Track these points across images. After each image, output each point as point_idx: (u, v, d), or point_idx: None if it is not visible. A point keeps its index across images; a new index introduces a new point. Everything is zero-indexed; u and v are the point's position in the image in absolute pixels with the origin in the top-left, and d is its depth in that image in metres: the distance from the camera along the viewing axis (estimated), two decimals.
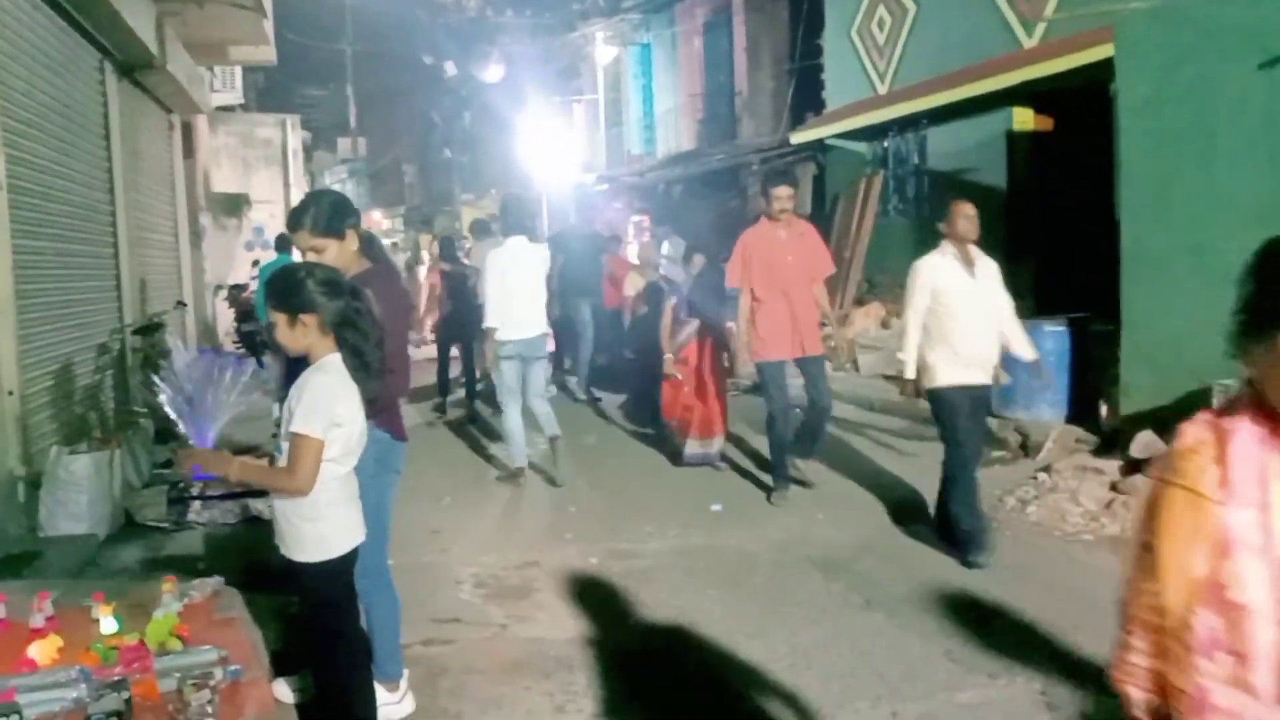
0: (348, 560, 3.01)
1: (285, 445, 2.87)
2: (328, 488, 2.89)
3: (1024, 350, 5.35)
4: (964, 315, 5.10)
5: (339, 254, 3.39)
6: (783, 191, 6.32)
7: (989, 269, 5.31)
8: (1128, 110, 6.54)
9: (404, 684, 3.61)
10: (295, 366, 3.01)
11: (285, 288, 2.91)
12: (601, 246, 11.23)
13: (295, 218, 3.45)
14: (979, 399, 5.29)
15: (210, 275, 14.11)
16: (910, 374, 5.32)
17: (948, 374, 5.14)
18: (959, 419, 5.17)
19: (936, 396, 5.22)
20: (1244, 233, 5.73)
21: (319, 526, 2.91)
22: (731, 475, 7.20)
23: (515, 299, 6.69)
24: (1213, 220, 5.95)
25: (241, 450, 3.02)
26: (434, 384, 10.00)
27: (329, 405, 2.82)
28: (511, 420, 6.97)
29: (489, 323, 6.73)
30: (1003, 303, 5.32)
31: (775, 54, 16.56)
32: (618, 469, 7.58)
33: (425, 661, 4.09)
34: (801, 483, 6.48)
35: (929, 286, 5.19)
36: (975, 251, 5.26)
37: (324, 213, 3.43)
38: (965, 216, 5.21)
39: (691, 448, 7.22)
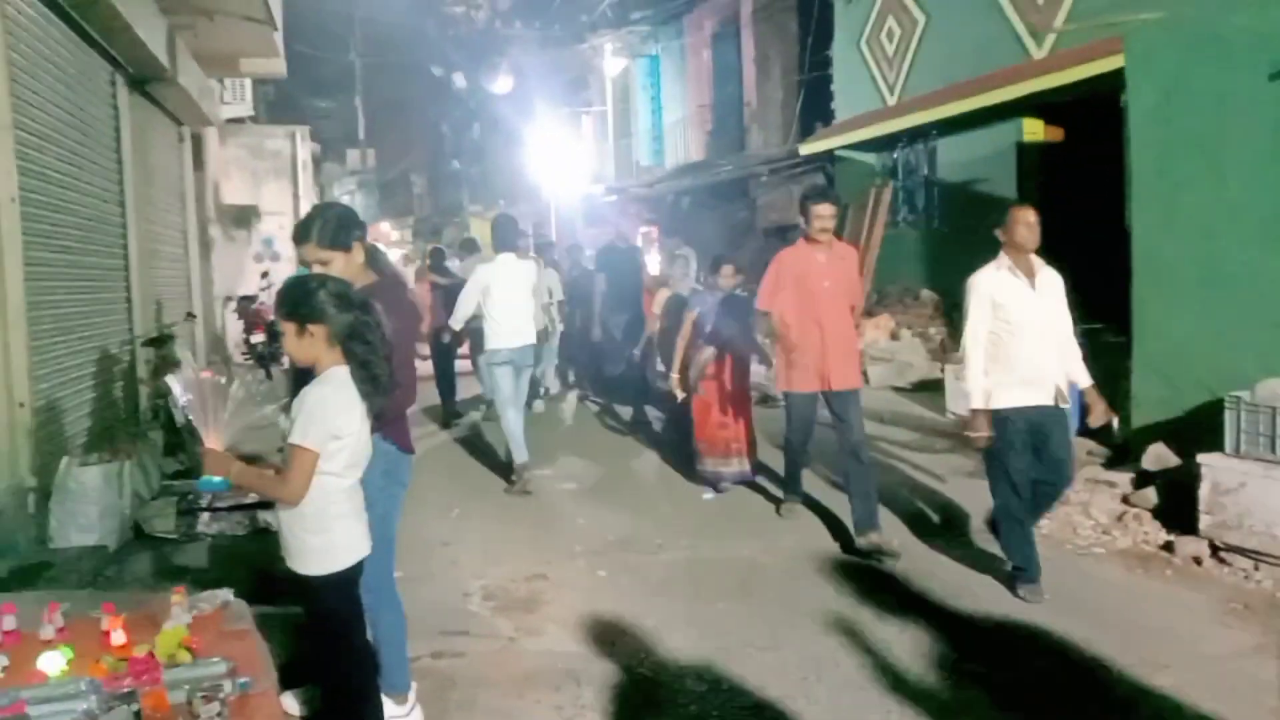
0: (353, 573, 3.00)
1: (287, 454, 2.88)
2: (333, 500, 2.88)
3: (1080, 376, 4.91)
4: (1025, 333, 4.71)
5: (346, 266, 3.39)
6: (825, 210, 5.76)
7: (1051, 281, 4.90)
8: (1138, 121, 6.53)
9: (412, 696, 3.60)
10: (303, 379, 3.01)
11: (296, 297, 2.91)
12: (640, 262, 11.44)
13: (302, 230, 3.45)
14: (1044, 421, 4.79)
15: (220, 287, 14.16)
16: (979, 403, 4.79)
17: (1003, 396, 4.74)
18: (1012, 447, 4.75)
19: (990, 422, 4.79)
20: (1255, 243, 5.74)
21: (324, 539, 2.91)
22: (741, 487, 7.18)
23: (505, 310, 7.14)
24: (1224, 231, 5.93)
25: (247, 460, 3.01)
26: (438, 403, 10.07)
27: (328, 418, 2.82)
28: (511, 422, 7.25)
29: (488, 341, 7.28)
30: (1064, 320, 4.92)
31: (784, 65, 16.58)
32: (628, 481, 7.56)
33: (435, 674, 4.07)
34: (885, 553, 5.40)
35: (988, 301, 4.79)
36: (1037, 262, 4.86)
37: (330, 225, 3.43)
38: (1025, 224, 4.79)
39: (727, 467, 6.85)
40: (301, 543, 2.91)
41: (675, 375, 7.10)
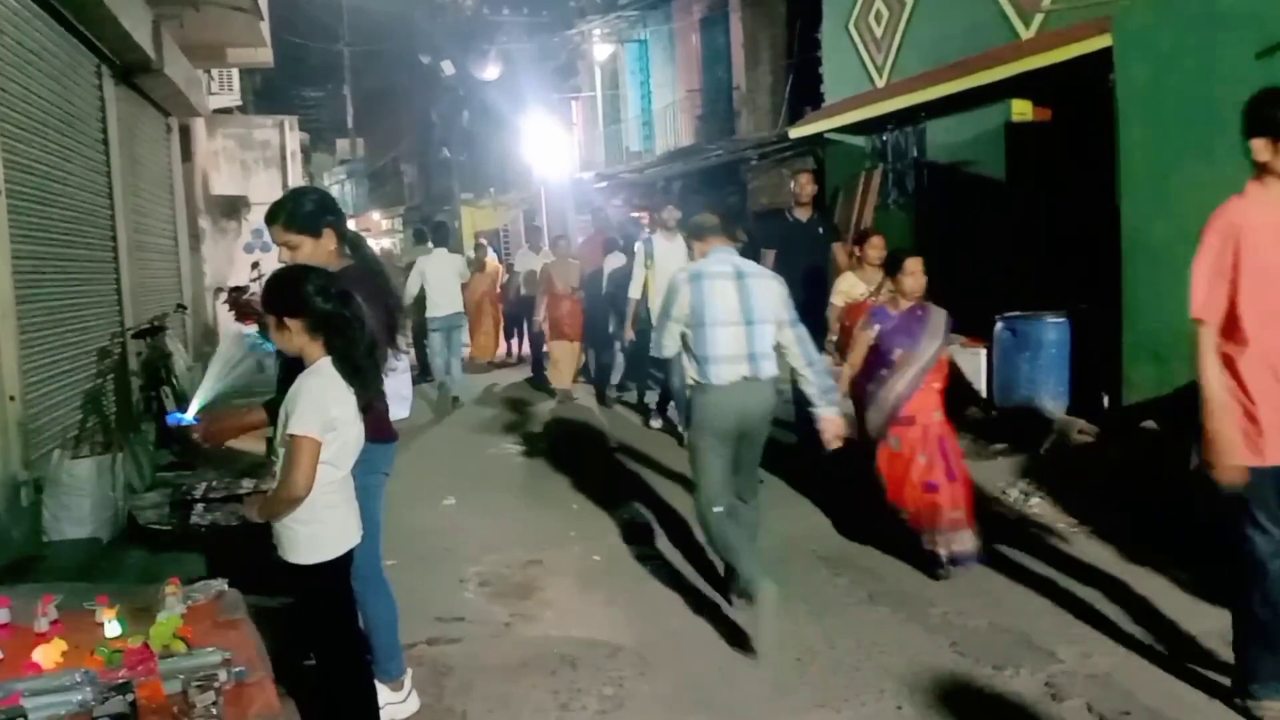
0: (342, 562, 3.01)
1: (283, 451, 2.88)
2: (324, 490, 2.89)
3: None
4: None
5: (314, 251, 3.39)
6: None
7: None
8: (1126, 100, 6.53)
9: (407, 682, 3.62)
10: (293, 369, 3.01)
11: (274, 290, 2.94)
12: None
13: (272, 212, 3.47)
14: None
15: (210, 278, 14.11)
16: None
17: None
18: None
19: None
20: None
21: (313, 529, 2.92)
22: None
23: (438, 290, 10.20)
24: (1213, 209, 5.93)
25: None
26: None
27: (323, 406, 2.82)
28: (441, 370, 10.43)
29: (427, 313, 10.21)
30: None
31: (773, 48, 16.53)
32: (622, 465, 7.57)
33: (430, 660, 4.09)
34: None
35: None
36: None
37: (301, 209, 3.43)
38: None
39: (956, 544, 4.71)
40: (292, 532, 2.92)
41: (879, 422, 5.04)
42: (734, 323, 4.36)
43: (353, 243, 3.61)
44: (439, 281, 10.11)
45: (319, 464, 2.85)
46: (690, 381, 4.52)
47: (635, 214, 19.98)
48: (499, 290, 14.02)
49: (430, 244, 10.91)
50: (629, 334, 8.40)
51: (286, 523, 2.91)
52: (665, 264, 7.59)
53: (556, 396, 10.44)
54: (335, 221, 3.48)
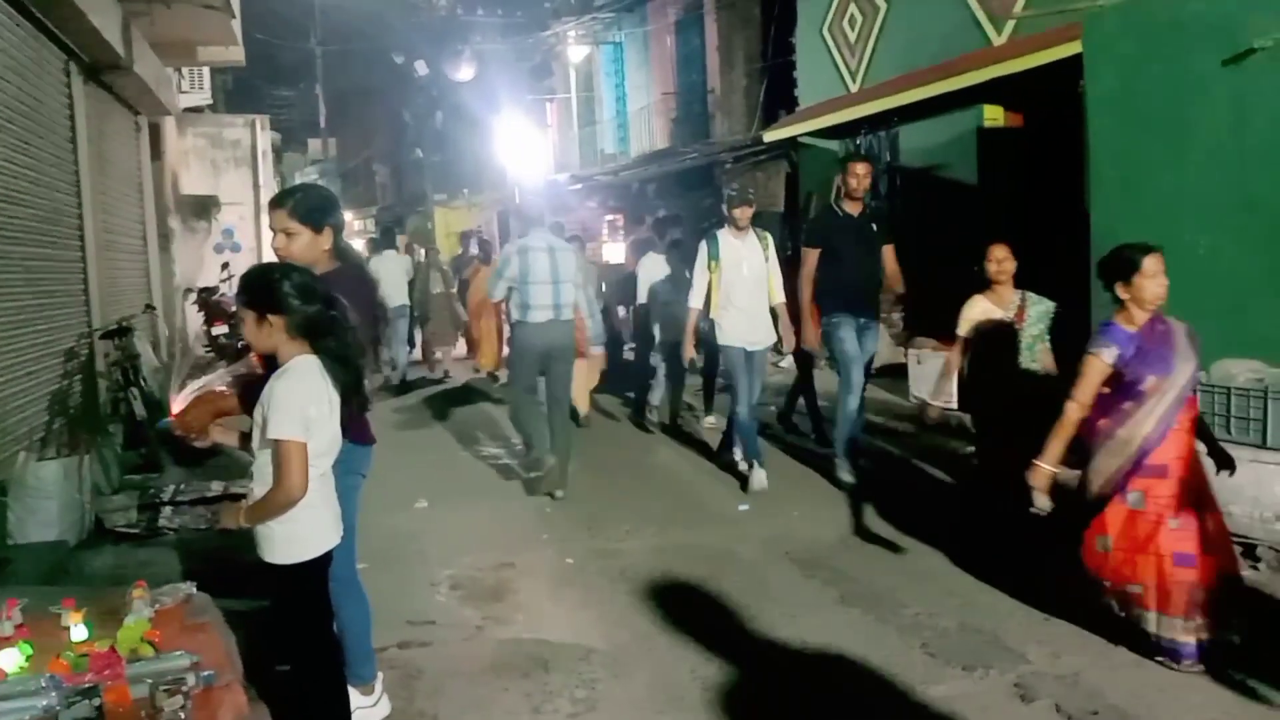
0: (322, 562, 2.99)
1: (260, 455, 2.85)
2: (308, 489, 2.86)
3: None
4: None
5: (310, 245, 3.38)
6: None
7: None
8: (1096, 106, 6.60)
9: (379, 686, 3.59)
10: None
11: (257, 285, 2.90)
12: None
13: (280, 197, 3.47)
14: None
15: (180, 278, 13.97)
16: None
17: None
18: None
19: None
20: (1211, 226, 5.82)
21: (293, 528, 2.89)
22: (712, 471, 7.22)
23: (385, 284, 10.88)
24: (1181, 213, 6.02)
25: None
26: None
27: (301, 406, 2.80)
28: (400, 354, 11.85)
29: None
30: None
31: (747, 52, 16.59)
32: (595, 468, 7.56)
33: (402, 664, 4.06)
34: None
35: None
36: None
37: (310, 201, 3.44)
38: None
39: (1194, 633, 3.77)
40: (270, 531, 2.88)
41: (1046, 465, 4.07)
42: (545, 281, 6.50)
43: (342, 250, 3.58)
44: (388, 276, 11.23)
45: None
46: (515, 320, 6.67)
47: (610, 216, 20.00)
48: None
49: (380, 248, 12.99)
50: (689, 352, 6.99)
51: (266, 522, 2.88)
52: (733, 267, 6.60)
53: (579, 423, 8.78)
54: (336, 224, 3.48)
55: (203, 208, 15.90)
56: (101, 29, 7.77)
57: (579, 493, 6.76)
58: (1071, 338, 6.89)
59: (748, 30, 16.53)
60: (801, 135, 13.04)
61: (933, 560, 5.09)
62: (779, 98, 14.95)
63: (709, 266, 6.65)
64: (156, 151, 12.75)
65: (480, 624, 4.57)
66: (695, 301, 6.72)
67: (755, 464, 6.53)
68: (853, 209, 6.53)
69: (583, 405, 9.02)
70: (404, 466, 7.76)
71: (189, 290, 13.64)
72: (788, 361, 9.83)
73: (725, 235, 6.72)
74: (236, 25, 11.88)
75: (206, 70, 15.98)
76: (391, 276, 11.55)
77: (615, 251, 19.00)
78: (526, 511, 6.42)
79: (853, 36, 12.36)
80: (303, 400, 2.82)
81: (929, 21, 10.81)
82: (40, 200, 7.08)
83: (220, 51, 12.62)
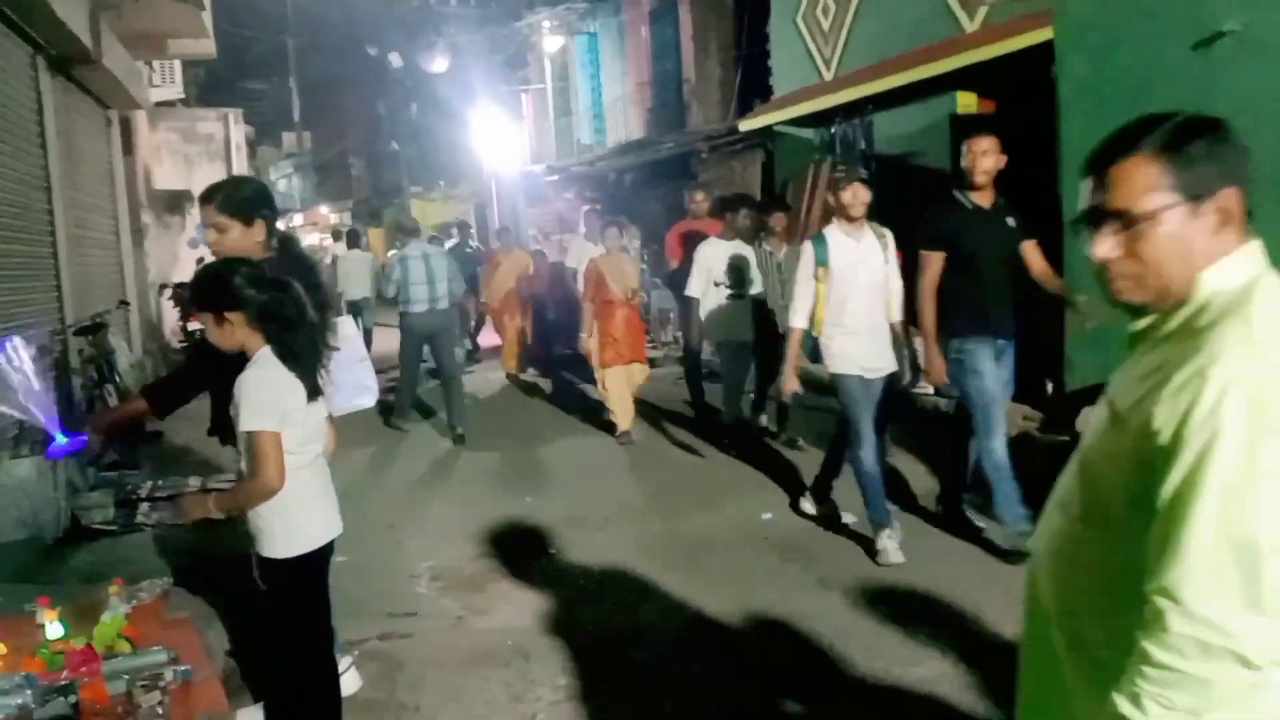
0: (323, 553, 2.98)
1: (241, 445, 2.84)
2: (295, 479, 2.84)
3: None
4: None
5: (241, 237, 3.37)
6: None
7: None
8: (1067, 92, 6.64)
9: (344, 662, 3.61)
10: (214, 366, 3.02)
11: (207, 287, 2.89)
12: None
13: (207, 192, 3.46)
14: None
15: (154, 274, 13.85)
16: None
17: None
18: None
19: None
20: None
21: (287, 520, 2.87)
22: (691, 460, 7.24)
23: (349, 279, 12.85)
24: None
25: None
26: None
27: (274, 397, 2.78)
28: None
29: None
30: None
31: (722, 41, 16.57)
32: (575, 458, 7.57)
33: (382, 655, 4.07)
34: None
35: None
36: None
37: (238, 194, 3.44)
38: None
39: None
40: (268, 525, 2.87)
41: None
42: (422, 282, 8.29)
43: (283, 240, 3.57)
44: (354, 271, 13.02)
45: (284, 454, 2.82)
46: (401, 311, 8.41)
47: (587, 206, 19.91)
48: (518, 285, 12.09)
49: (345, 246, 14.39)
50: (791, 384, 5.27)
51: (263, 515, 2.86)
52: (846, 274, 5.16)
53: (618, 439, 7.96)
54: (269, 214, 3.47)
55: (176, 203, 15.76)
56: (68, 21, 7.67)
57: (559, 483, 6.77)
58: (1043, 324, 6.98)
59: (722, 20, 16.51)
60: (777, 124, 13.04)
61: (913, 543, 5.12)
62: (754, 87, 14.95)
63: (815, 274, 5.16)
64: (128, 146, 12.62)
65: (461, 615, 4.58)
66: (799, 320, 5.18)
67: (885, 528, 5.02)
68: (983, 199, 5.14)
69: (624, 419, 7.99)
70: (383, 457, 7.75)
71: (164, 285, 13.53)
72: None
73: (834, 233, 5.24)
74: (207, 17, 11.78)
75: (178, 64, 15.84)
76: (355, 271, 13.12)
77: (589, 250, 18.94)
78: (506, 502, 6.42)
79: (826, 25, 12.37)
80: (274, 390, 2.80)
81: (901, 9, 10.83)
82: (9, 196, 7.01)
83: (191, 44, 12.50)
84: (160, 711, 2.46)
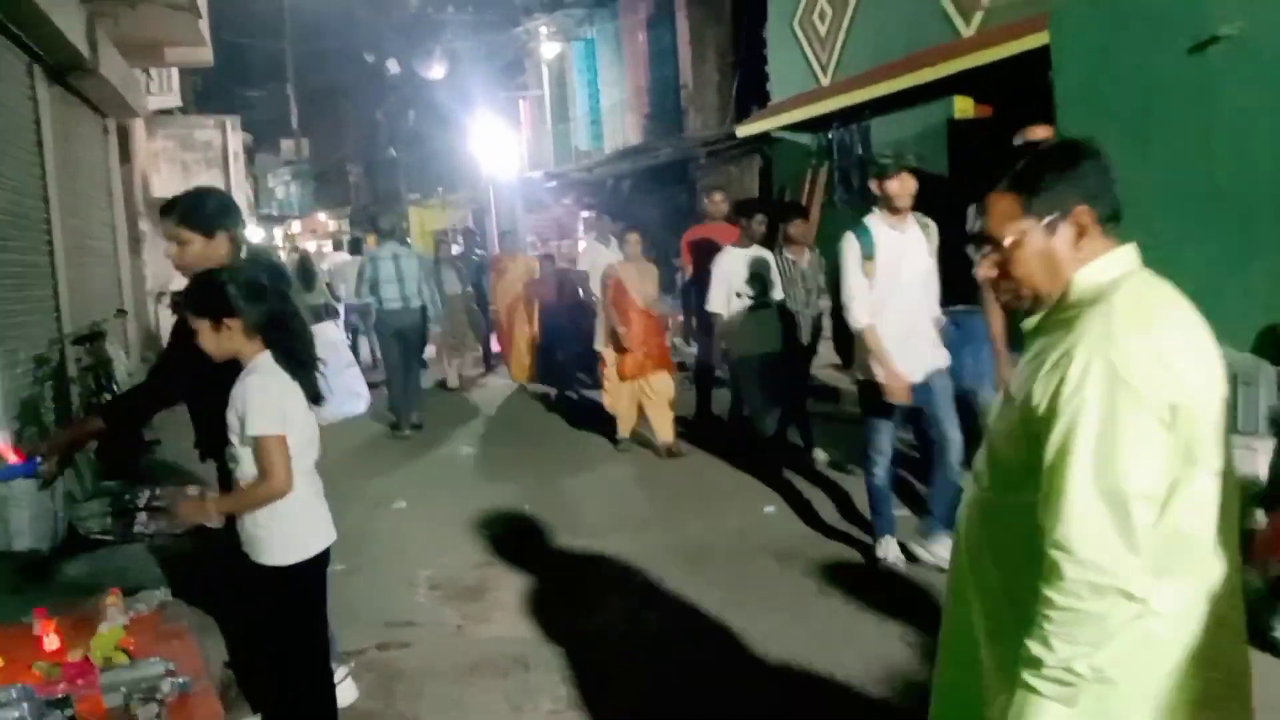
0: (320, 561, 2.97)
1: (243, 453, 2.84)
2: (295, 485, 2.84)
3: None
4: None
5: (203, 252, 3.32)
6: None
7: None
8: (1064, 96, 6.65)
9: (340, 672, 3.61)
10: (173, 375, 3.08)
11: (206, 293, 2.88)
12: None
13: (167, 204, 3.42)
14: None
15: (152, 282, 13.84)
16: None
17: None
18: None
19: None
20: (1178, 216, 5.87)
21: (290, 528, 2.87)
22: (690, 467, 7.23)
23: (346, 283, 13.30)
24: (1149, 202, 6.06)
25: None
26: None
27: (276, 401, 2.79)
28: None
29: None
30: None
31: (719, 47, 16.61)
32: (575, 466, 7.56)
33: (380, 665, 4.06)
34: None
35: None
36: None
37: (198, 206, 3.38)
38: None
39: None
40: (267, 532, 2.86)
41: None
42: (394, 280, 8.87)
43: (254, 253, 3.55)
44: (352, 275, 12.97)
45: None
46: (375, 309, 9.04)
47: (585, 211, 19.92)
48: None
49: (348, 253, 14.92)
50: (899, 389, 4.67)
51: (261, 523, 2.86)
52: (890, 269, 4.78)
53: (618, 446, 7.84)
54: (232, 226, 3.41)
55: None
56: (65, 30, 7.67)
57: (558, 492, 6.76)
58: None
59: (719, 25, 16.54)
60: (774, 130, 13.06)
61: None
62: (751, 92, 14.97)
63: (861, 270, 4.76)
64: (126, 154, 12.63)
65: (460, 624, 4.57)
66: (864, 316, 4.72)
67: (886, 535, 4.93)
68: None
69: (666, 431, 7.57)
70: (381, 465, 7.74)
71: (161, 293, 13.52)
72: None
73: (878, 224, 4.84)
74: (204, 25, 11.77)
75: (175, 71, 15.84)
76: (343, 276, 13.62)
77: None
78: (506, 510, 6.41)
79: (823, 30, 12.39)
80: (277, 395, 2.81)
81: (898, 14, 10.86)
82: (6, 205, 7.00)
83: (188, 52, 12.49)
84: None
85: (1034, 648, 1.60)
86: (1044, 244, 1.75)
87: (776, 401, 6.92)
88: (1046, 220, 1.75)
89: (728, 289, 6.81)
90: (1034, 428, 1.64)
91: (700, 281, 7.37)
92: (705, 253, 7.46)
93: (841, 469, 6.69)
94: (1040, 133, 5.08)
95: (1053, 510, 1.58)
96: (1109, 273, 1.73)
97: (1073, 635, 1.56)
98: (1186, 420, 1.58)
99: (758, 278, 6.82)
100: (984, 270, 1.83)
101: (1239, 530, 1.72)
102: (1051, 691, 1.59)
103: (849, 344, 5.36)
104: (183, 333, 3.41)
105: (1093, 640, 1.56)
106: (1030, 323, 1.81)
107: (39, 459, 3.22)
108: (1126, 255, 1.77)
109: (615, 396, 7.88)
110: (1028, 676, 1.61)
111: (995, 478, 1.80)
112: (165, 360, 3.60)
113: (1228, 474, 1.66)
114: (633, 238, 7.92)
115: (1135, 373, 1.56)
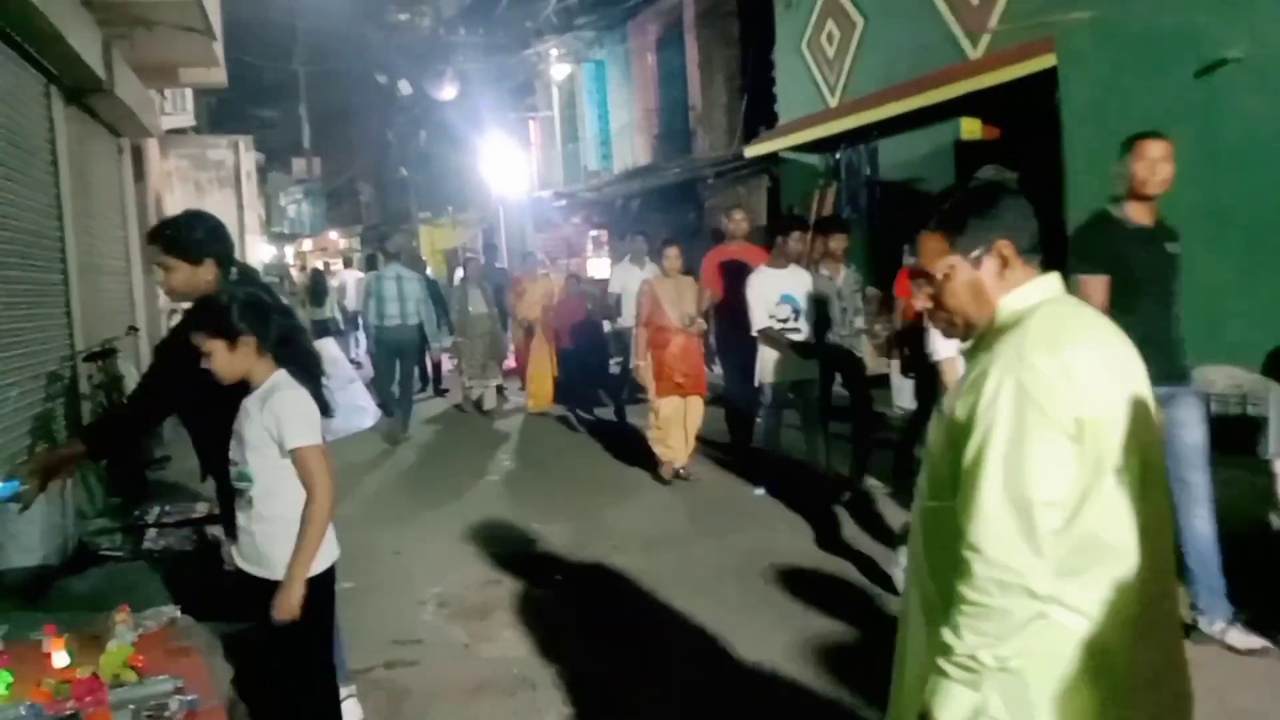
0: (329, 576, 2.99)
1: (254, 470, 2.86)
2: (299, 504, 2.86)
3: None
4: None
5: (189, 278, 3.34)
6: None
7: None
8: (1070, 118, 6.69)
9: (343, 691, 3.61)
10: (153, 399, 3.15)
11: (217, 313, 2.88)
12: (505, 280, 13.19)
13: (152, 231, 3.45)
14: None
15: (163, 300, 13.91)
16: None
17: None
18: None
19: None
20: (1186, 236, 5.88)
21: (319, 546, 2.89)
22: (705, 488, 7.23)
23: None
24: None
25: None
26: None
27: (310, 414, 2.84)
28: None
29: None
30: None
31: (727, 69, 16.68)
32: (581, 485, 7.57)
33: (388, 683, 4.06)
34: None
35: None
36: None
37: (183, 233, 3.38)
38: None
39: None
40: (283, 549, 2.86)
41: None
42: (396, 299, 9.75)
43: (244, 273, 3.53)
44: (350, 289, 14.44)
45: (291, 478, 2.84)
46: (375, 325, 9.88)
47: (594, 231, 19.98)
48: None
49: (363, 270, 15.42)
50: None
51: (270, 538, 2.86)
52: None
53: (665, 478, 7.44)
54: (220, 252, 3.40)
55: None
56: (82, 52, 7.76)
57: (566, 512, 6.77)
58: None
59: (728, 47, 16.63)
60: (782, 150, 13.11)
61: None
62: (759, 113, 15.03)
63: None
64: (139, 173, 12.72)
65: (467, 642, 4.57)
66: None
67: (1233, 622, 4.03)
68: (1144, 216, 4.23)
69: (671, 453, 7.42)
70: (390, 483, 7.76)
71: (173, 311, 13.58)
72: None
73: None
74: (218, 47, 11.87)
75: (189, 92, 15.97)
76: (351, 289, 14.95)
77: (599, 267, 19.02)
78: (514, 529, 6.42)
79: (831, 52, 12.46)
80: (310, 407, 2.87)
81: (906, 37, 10.91)
82: (21, 223, 7.06)
83: (202, 73, 12.60)
84: None
85: (946, 635, 1.74)
86: (971, 276, 1.91)
87: (818, 428, 6.77)
88: (972, 255, 1.91)
89: (766, 310, 6.58)
90: (958, 439, 1.79)
91: (730, 305, 7.11)
92: (734, 274, 7.18)
93: (878, 495, 6.56)
94: (1155, 149, 4.23)
95: (967, 514, 1.72)
96: (1029, 299, 1.88)
97: (979, 628, 1.69)
98: (1095, 432, 1.71)
99: (802, 298, 6.60)
100: (919, 303, 2.01)
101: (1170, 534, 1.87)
102: (958, 676, 1.72)
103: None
104: (168, 355, 3.43)
105: (997, 633, 1.69)
106: (965, 347, 1.97)
107: (19, 480, 3.22)
108: (1047, 283, 1.92)
109: (666, 429, 7.33)
110: (940, 661, 1.75)
111: (931, 489, 1.92)
112: (148, 383, 3.61)
113: (1153, 481, 1.79)
114: (671, 252, 7.43)
115: (1042, 390, 1.70)
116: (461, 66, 23.98)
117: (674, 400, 7.32)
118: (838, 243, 6.89)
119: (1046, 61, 7.38)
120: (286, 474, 2.85)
